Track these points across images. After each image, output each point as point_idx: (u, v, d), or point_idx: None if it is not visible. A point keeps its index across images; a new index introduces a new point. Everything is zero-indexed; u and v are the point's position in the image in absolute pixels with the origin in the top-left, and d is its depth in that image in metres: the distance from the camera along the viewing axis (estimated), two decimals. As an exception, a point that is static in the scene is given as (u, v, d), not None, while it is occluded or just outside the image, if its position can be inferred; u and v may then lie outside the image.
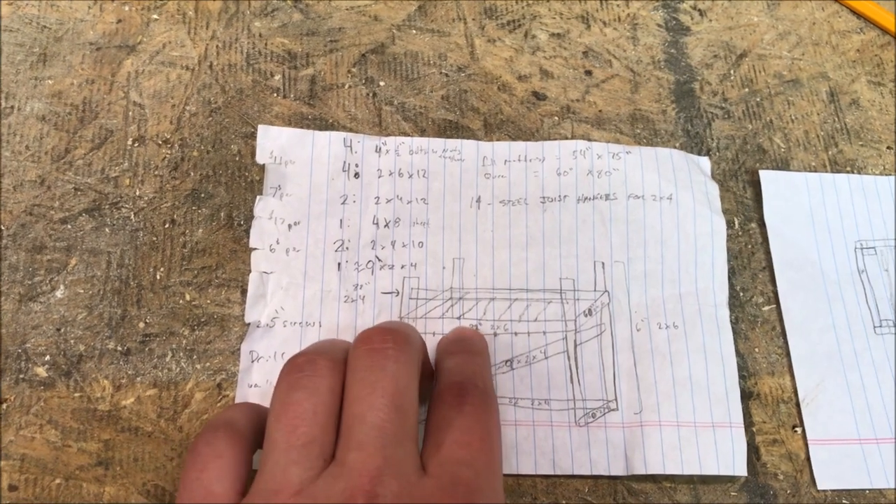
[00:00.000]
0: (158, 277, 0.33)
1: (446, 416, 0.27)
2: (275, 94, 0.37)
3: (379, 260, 0.34)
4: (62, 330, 0.32)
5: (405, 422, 0.26)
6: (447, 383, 0.29)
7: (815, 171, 0.38)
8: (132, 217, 0.34)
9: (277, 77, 0.37)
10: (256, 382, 0.32)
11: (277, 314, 0.33)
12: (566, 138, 0.37)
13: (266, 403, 0.30)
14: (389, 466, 0.25)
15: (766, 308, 0.35)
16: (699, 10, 0.42)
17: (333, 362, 0.28)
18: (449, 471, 0.26)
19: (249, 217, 0.34)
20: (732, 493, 0.32)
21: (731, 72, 0.40)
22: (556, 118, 0.38)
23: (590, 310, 0.34)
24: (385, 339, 0.28)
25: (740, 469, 0.32)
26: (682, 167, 0.36)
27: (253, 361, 0.32)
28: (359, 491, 0.24)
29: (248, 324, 0.33)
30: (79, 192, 0.34)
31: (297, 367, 0.27)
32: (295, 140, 0.35)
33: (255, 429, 0.28)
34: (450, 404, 0.28)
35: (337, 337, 0.33)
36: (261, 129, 0.35)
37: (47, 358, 0.31)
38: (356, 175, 0.35)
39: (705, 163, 0.37)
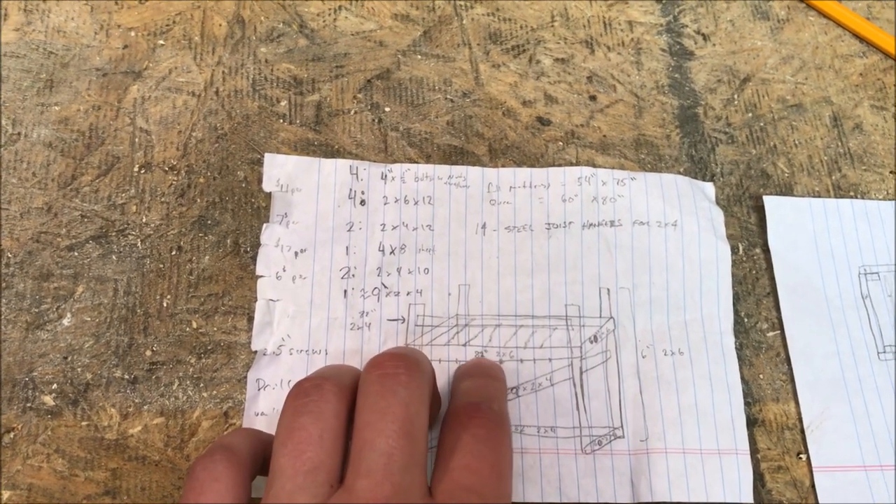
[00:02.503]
0: (165, 305, 0.33)
1: (459, 438, 0.27)
2: (281, 120, 0.37)
3: (385, 287, 0.34)
4: (69, 358, 0.32)
5: (415, 449, 0.26)
6: (462, 403, 0.29)
7: (819, 196, 0.38)
8: (139, 244, 0.34)
9: (283, 103, 0.37)
10: (263, 410, 0.32)
11: (284, 342, 0.33)
12: (571, 163, 0.38)
13: (272, 431, 0.30)
14: (397, 494, 0.25)
15: (770, 334, 0.36)
16: (703, 34, 0.42)
17: (340, 387, 0.27)
18: (457, 499, 0.26)
19: (256, 244, 0.34)
20: (738, 521, 0.32)
21: (735, 96, 0.40)
22: (561, 143, 0.38)
23: (595, 336, 0.34)
24: (397, 365, 0.27)
25: (746, 496, 0.32)
26: (686, 193, 0.37)
27: (259, 389, 0.32)
28: None
29: (255, 352, 0.33)
30: (85, 220, 0.34)
31: (303, 392, 0.27)
32: (301, 168, 0.35)
33: (253, 454, 0.28)
34: (463, 425, 0.28)
35: None
36: (267, 157, 0.35)
37: (54, 386, 0.31)
38: (362, 202, 0.35)
39: (710, 188, 0.37)
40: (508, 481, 0.27)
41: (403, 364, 0.28)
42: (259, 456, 0.28)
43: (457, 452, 0.27)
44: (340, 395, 0.27)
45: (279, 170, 0.35)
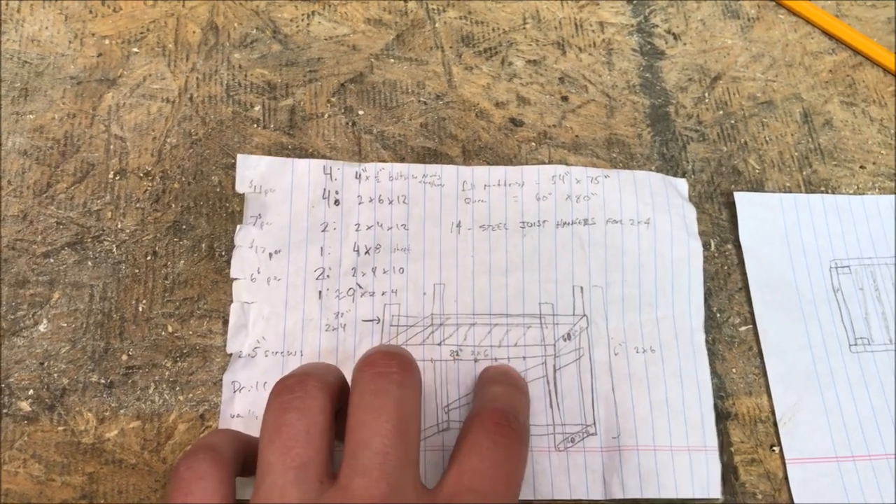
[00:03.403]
0: (141, 310, 0.33)
1: (479, 442, 0.28)
2: (255, 125, 0.37)
3: (360, 287, 0.34)
4: (45, 364, 0.32)
5: (408, 447, 0.26)
6: (489, 408, 0.29)
7: (790, 192, 0.39)
8: (114, 250, 0.34)
9: (257, 108, 0.38)
10: (239, 413, 0.32)
11: (259, 344, 0.33)
12: (543, 163, 0.38)
13: (249, 433, 0.30)
14: (393, 493, 0.25)
15: (742, 328, 0.36)
16: (673, 33, 0.43)
17: (323, 383, 0.28)
18: (462, 499, 0.26)
19: (230, 248, 0.34)
20: (711, 514, 0.33)
21: (706, 94, 0.41)
22: (534, 144, 0.38)
23: (568, 334, 0.34)
24: (390, 364, 0.28)
25: (714, 492, 0.32)
26: (659, 190, 0.37)
27: (235, 392, 0.32)
28: None
29: (230, 354, 0.33)
30: (61, 226, 0.34)
31: (287, 389, 0.27)
32: (274, 168, 0.36)
33: (235, 453, 0.28)
34: (486, 430, 0.28)
35: None
36: (240, 158, 0.36)
37: (31, 392, 0.32)
38: (336, 202, 0.35)
39: (683, 185, 0.38)
40: (516, 495, 0.28)
41: (397, 363, 0.28)
42: (240, 455, 0.28)
43: (474, 455, 0.27)
44: (324, 390, 0.27)
45: (252, 171, 0.35)
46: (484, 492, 0.26)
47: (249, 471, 0.28)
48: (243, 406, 0.32)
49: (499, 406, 0.29)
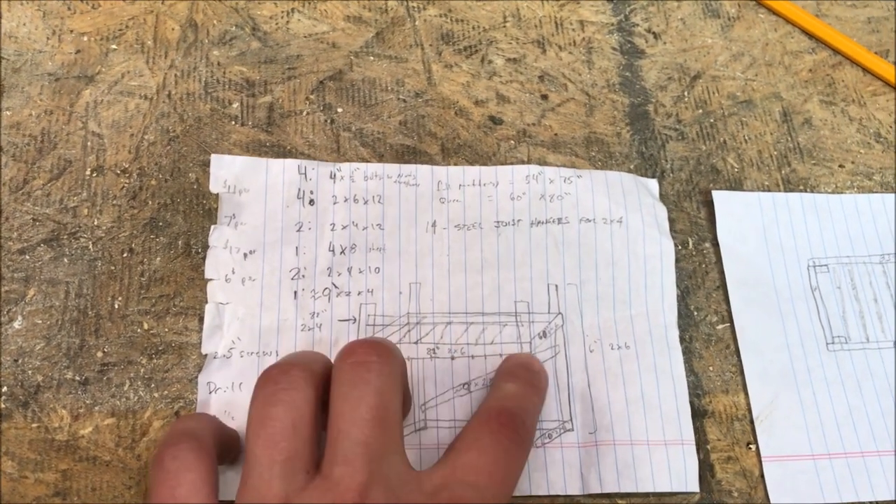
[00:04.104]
0: (116, 307, 0.33)
1: (481, 438, 0.28)
2: (233, 122, 0.37)
3: (335, 287, 0.34)
4: (20, 361, 0.32)
5: (389, 436, 0.27)
6: (498, 407, 0.29)
7: (769, 191, 0.39)
8: (90, 247, 0.34)
9: (235, 105, 0.38)
10: (215, 413, 0.32)
11: (234, 345, 0.33)
12: (522, 162, 0.38)
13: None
14: (375, 481, 0.25)
15: (720, 327, 0.36)
16: (654, 32, 0.43)
17: (308, 372, 0.28)
18: (454, 492, 0.26)
19: (207, 244, 0.34)
20: (686, 512, 0.33)
21: (686, 93, 0.41)
22: (513, 142, 0.38)
23: (544, 332, 0.34)
24: (368, 353, 0.28)
25: (692, 485, 0.32)
26: (631, 190, 0.37)
27: (211, 392, 0.32)
28: None
29: (206, 355, 0.33)
30: (37, 223, 0.34)
31: (272, 380, 0.27)
32: (249, 168, 0.35)
33: (215, 441, 0.28)
34: (490, 429, 0.28)
35: None
36: (214, 158, 0.35)
37: (4, 389, 0.32)
38: (311, 202, 0.35)
39: (654, 185, 0.38)
40: (509, 495, 0.28)
41: (375, 352, 0.28)
42: (218, 440, 0.28)
43: (473, 450, 0.28)
44: (309, 381, 0.27)
45: (226, 171, 0.35)
46: (478, 486, 0.27)
47: (222, 458, 0.29)
48: (219, 406, 0.32)
49: (508, 406, 0.30)
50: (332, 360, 0.29)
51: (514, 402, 0.30)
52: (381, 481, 0.25)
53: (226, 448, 0.30)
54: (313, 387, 0.27)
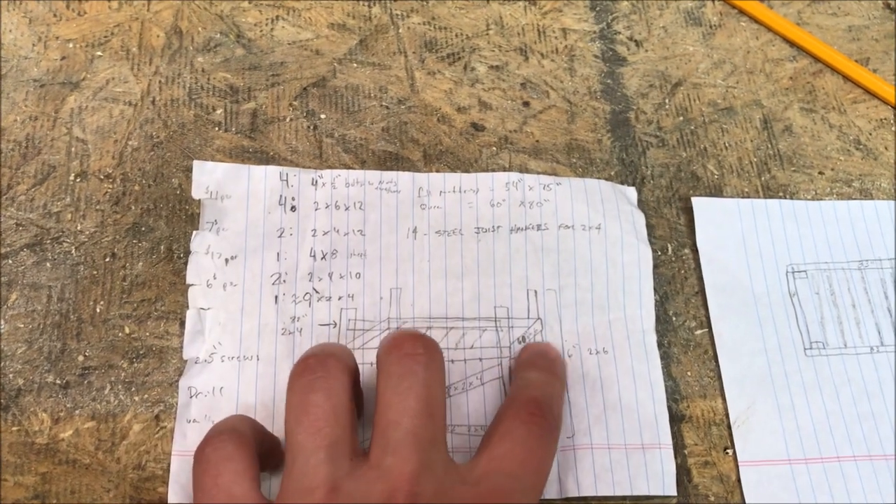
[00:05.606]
0: (98, 311, 0.34)
1: (514, 428, 0.29)
2: (216, 128, 0.38)
3: (316, 292, 0.35)
4: (1, 364, 0.32)
5: (436, 426, 0.27)
6: (526, 396, 0.30)
7: (748, 197, 0.39)
8: (73, 251, 0.34)
9: (219, 111, 0.38)
10: (195, 418, 0.32)
11: (215, 349, 0.33)
12: (504, 168, 0.38)
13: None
14: (424, 470, 0.26)
15: (698, 332, 0.36)
16: (635, 40, 0.43)
17: (342, 363, 0.28)
18: (494, 481, 0.27)
19: (189, 250, 0.35)
20: (662, 516, 0.33)
21: (667, 101, 0.41)
22: (495, 149, 0.39)
23: (523, 337, 0.35)
24: (416, 345, 0.29)
25: (670, 489, 0.33)
26: (609, 198, 0.37)
27: (191, 397, 0.32)
28: (399, 492, 0.25)
29: (187, 360, 0.33)
30: (20, 228, 0.35)
31: (309, 369, 0.28)
32: (231, 174, 0.36)
33: (256, 437, 0.29)
34: (521, 419, 0.29)
35: (275, 370, 0.33)
36: (196, 164, 0.36)
37: (-14, 393, 0.32)
38: (293, 208, 0.36)
39: (632, 193, 0.38)
40: (544, 482, 0.29)
41: (422, 344, 0.29)
42: (258, 438, 0.29)
43: (506, 441, 0.28)
44: (344, 371, 0.28)
45: (208, 177, 0.36)
46: (515, 475, 0.27)
47: (262, 464, 0.29)
48: (199, 411, 0.32)
49: (534, 395, 0.30)
50: (378, 347, 0.30)
51: (538, 391, 0.31)
52: (430, 471, 0.26)
53: (267, 452, 0.30)
54: (349, 375, 0.28)
